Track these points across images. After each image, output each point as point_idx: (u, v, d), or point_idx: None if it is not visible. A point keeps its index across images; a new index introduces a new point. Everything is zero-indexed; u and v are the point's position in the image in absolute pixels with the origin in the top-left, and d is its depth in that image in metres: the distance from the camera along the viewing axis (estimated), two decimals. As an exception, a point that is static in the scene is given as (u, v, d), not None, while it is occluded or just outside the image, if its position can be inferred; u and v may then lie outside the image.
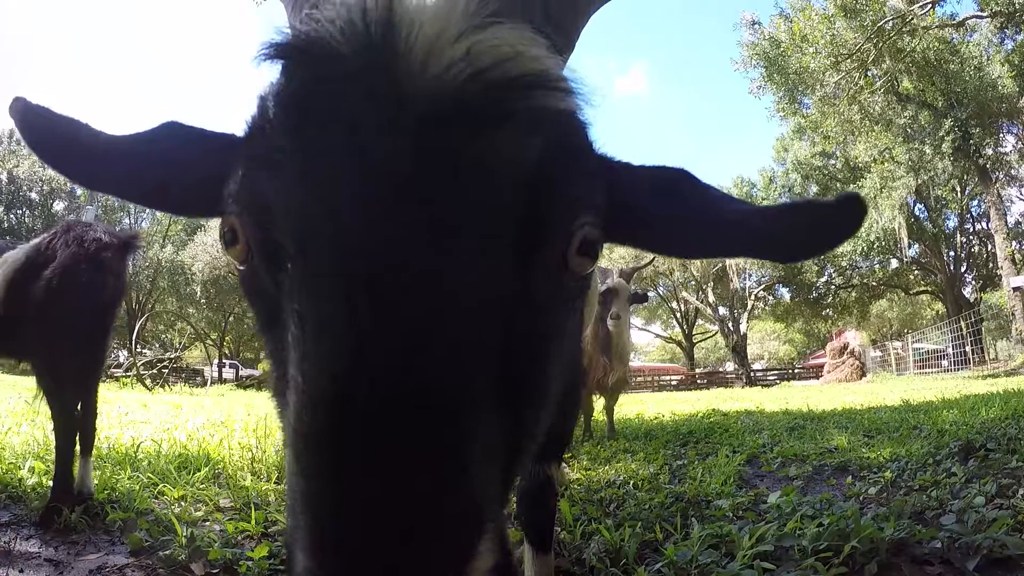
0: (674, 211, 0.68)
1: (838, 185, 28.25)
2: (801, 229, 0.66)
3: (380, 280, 0.44)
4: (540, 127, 0.52)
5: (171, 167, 0.70)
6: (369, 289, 0.44)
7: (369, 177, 0.47)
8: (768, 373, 31.49)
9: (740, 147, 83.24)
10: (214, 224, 0.69)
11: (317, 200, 0.48)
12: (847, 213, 0.63)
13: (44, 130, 0.71)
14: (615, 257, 20.33)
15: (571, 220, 0.55)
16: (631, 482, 3.14)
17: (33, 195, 33.58)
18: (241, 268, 0.58)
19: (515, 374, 0.51)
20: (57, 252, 2.46)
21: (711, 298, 31.27)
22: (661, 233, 0.70)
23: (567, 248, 0.55)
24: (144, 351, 22.54)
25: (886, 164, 23.14)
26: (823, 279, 31.27)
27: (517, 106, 0.51)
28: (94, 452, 3.36)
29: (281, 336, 0.51)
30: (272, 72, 0.57)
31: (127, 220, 33.66)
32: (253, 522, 2.24)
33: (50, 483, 2.61)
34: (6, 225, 32.29)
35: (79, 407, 2.53)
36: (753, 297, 31.33)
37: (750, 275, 31.32)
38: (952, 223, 29.58)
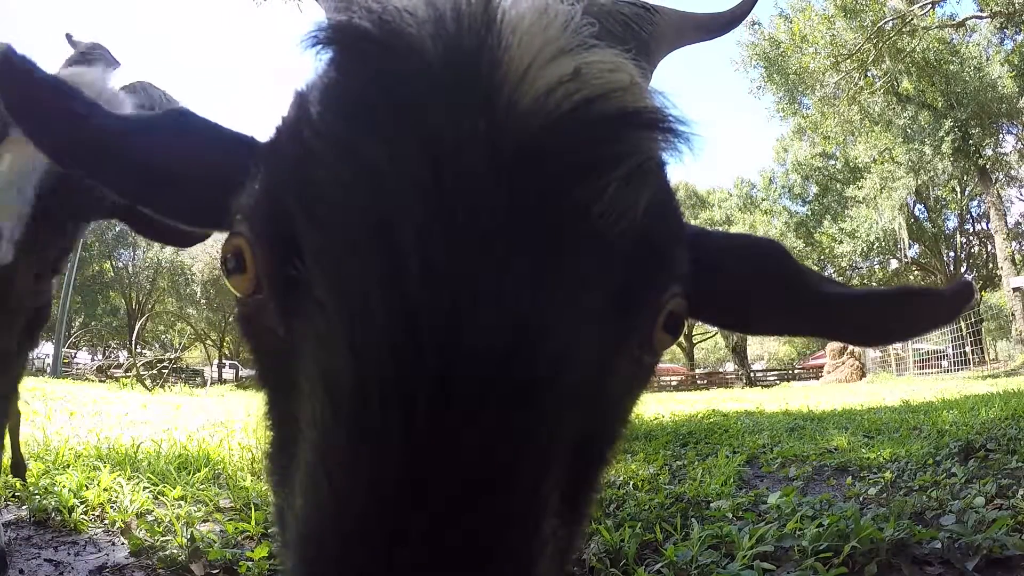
0: (765, 287, 0.61)
1: (838, 185, 28.27)
2: (906, 317, 0.63)
3: (449, 362, 0.35)
4: (649, 175, 0.44)
5: (170, 163, 0.60)
6: (433, 373, 0.34)
7: (448, 219, 0.37)
8: (768, 373, 31.50)
9: (740, 147, 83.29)
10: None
11: (372, 241, 0.37)
12: (957, 302, 0.60)
13: (24, 88, 0.58)
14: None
15: (664, 290, 0.47)
16: (631, 483, 3.13)
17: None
18: (243, 301, 0.48)
19: (577, 471, 0.43)
20: None
21: (711, 298, 31.22)
22: (742, 309, 0.64)
23: (654, 323, 0.47)
24: (144, 351, 22.56)
25: (886, 164, 23.17)
26: (823, 279, 31.26)
27: (633, 148, 0.43)
28: (94, 452, 3.37)
29: (291, 402, 0.41)
30: (317, 63, 0.46)
31: (127, 220, 33.65)
32: (253, 522, 2.24)
33: (50, 483, 2.61)
34: None
35: None
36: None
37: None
38: (952, 223, 29.62)
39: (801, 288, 0.62)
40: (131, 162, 0.60)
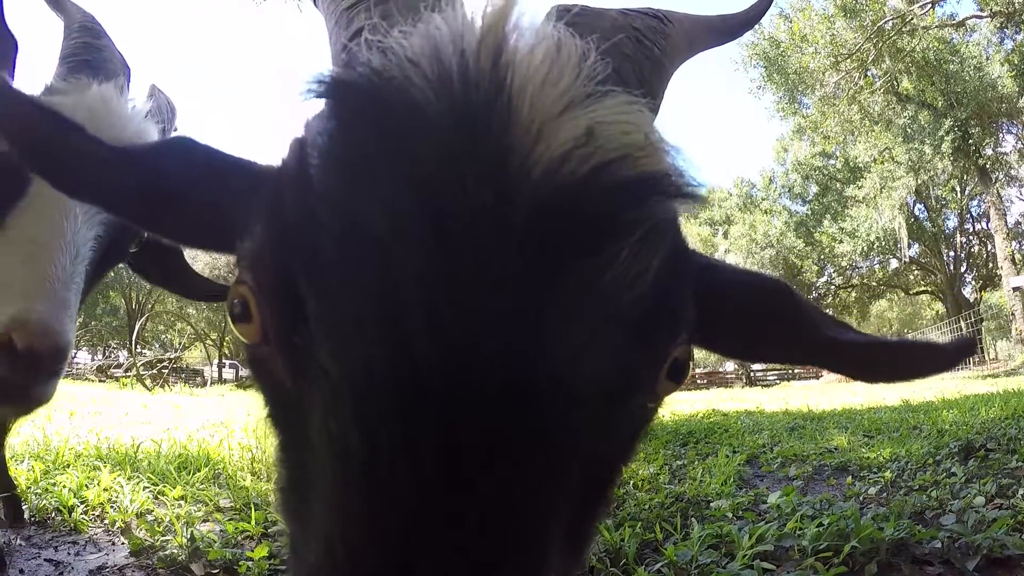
0: (767, 325, 0.62)
1: (838, 185, 28.28)
2: (908, 364, 0.64)
3: (456, 434, 0.35)
4: (662, 237, 0.43)
5: (172, 192, 0.58)
6: (440, 441, 0.35)
7: (457, 286, 0.36)
8: (768, 373, 31.45)
9: (740, 147, 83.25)
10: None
11: (380, 320, 0.37)
12: (959, 356, 0.62)
13: (26, 125, 0.58)
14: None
15: (671, 341, 0.47)
16: (631, 482, 3.13)
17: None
18: (250, 348, 0.47)
19: (580, 510, 0.44)
20: None
21: (711, 298, 31.22)
22: (742, 341, 0.65)
23: (660, 372, 0.47)
24: (144, 351, 22.56)
25: (886, 164, 23.18)
26: (823, 279, 31.30)
27: (648, 214, 0.42)
28: (94, 452, 3.37)
29: (301, 446, 0.42)
30: (316, 107, 0.45)
31: (127, 220, 33.61)
32: (253, 522, 2.24)
33: (50, 483, 2.61)
34: None
35: None
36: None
37: (750, 275, 31.30)
38: (952, 223, 29.64)
39: (803, 328, 0.62)
40: (133, 190, 0.59)
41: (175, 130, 1.66)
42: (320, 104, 0.44)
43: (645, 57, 0.70)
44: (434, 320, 0.36)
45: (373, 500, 0.35)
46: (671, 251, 0.45)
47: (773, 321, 0.61)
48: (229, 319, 0.47)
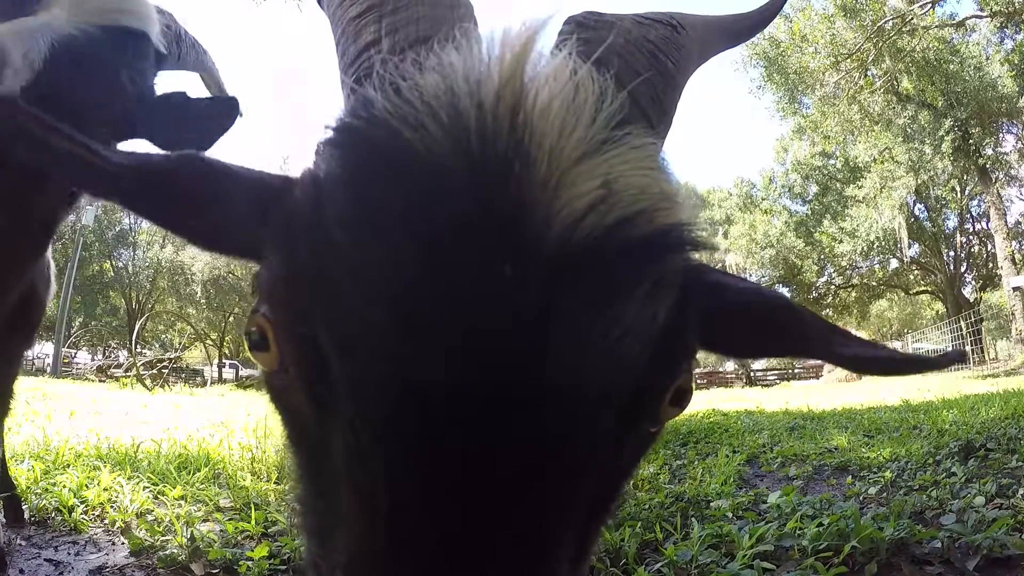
0: (768, 338, 0.64)
1: (838, 185, 28.27)
2: (896, 370, 0.66)
3: (473, 471, 0.38)
4: (674, 286, 0.45)
5: (185, 204, 0.57)
6: (459, 481, 0.38)
7: (473, 345, 0.37)
8: (768, 373, 31.46)
9: (740, 147, 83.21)
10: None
11: (393, 367, 0.38)
12: (947, 364, 0.63)
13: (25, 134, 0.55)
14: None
15: (675, 374, 0.48)
16: (631, 482, 3.13)
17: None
18: (268, 375, 0.49)
19: (585, 527, 0.47)
20: None
21: (711, 298, 31.20)
22: (744, 351, 0.66)
23: (662, 401, 0.48)
24: (144, 351, 22.56)
25: (886, 164, 23.17)
26: (823, 279, 31.29)
27: (661, 268, 0.43)
28: (94, 452, 3.37)
29: (321, 469, 0.44)
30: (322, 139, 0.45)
31: (127, 220, 33.68)
32: (253, 522, 2.24)
33: (50, 483, 2.61)
34: None
35: None
36: (753, 297, 31.28)
37: (750, 275, 31.32)
38: (952, 223, 29.62)
39: (799, 337, 0.63)
40: (146, 197, 0.58)
41: (201, 58, 1.56)
42: (326, 139, 0.45)
43: (659, 74, 0.69)
44: (451, 377, 0.37)
45: (396, 539, 0.38)
46: (683, 293, 0.46)
47: (774, 334, 0.63)
48: (246, 346, 0.48)
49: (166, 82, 1.41)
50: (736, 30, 0.97)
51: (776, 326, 0.62)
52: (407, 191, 0.39)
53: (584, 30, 0.65)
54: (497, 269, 0.37)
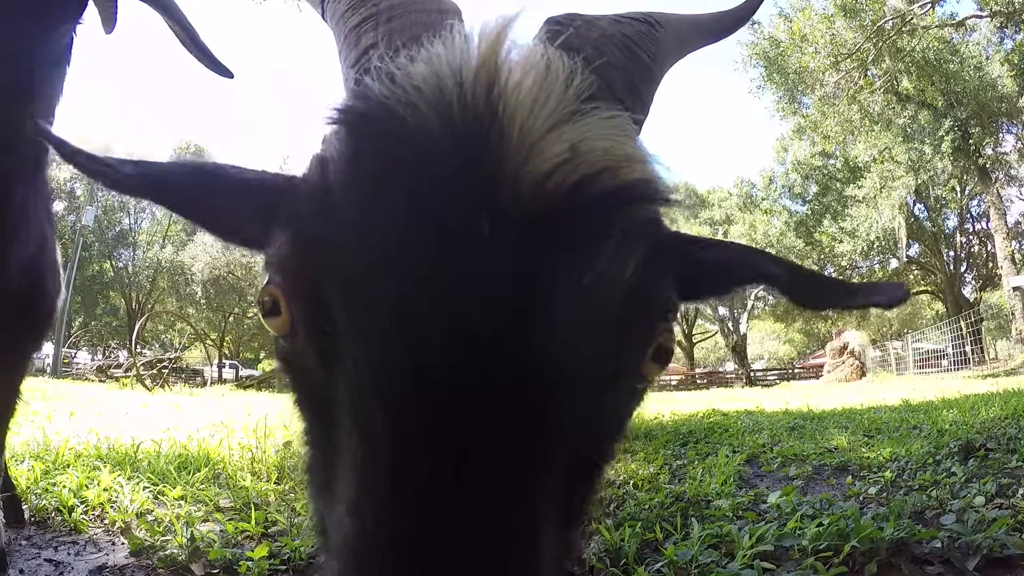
0: (742, 285, 0.67)
1: (838, 184, 28.27)
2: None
3: (462, 405, 0.41)
4: (643, 238, 0.49)
5: (210, 202, 0.65)
6: (450, 414, 0.41)
7: (459, 290, 0.42)
8: (768, 373, 31.50)
9: (740, 147, 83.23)
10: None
11: (390, 310, 0.43)
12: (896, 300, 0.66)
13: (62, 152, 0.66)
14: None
15: (653, 328, 0.52)
16: (631, 482, 3.13)
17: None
18: (280, 340, 0.53)
19: (575, 484, 0.50)
20: None
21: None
22: (722, 295, 0.70)
23: (644, 356, 0.52)
24: (144, 351, 22.56)
25: (886, 164, 23.17)
26: (823, 279, 31.23)
27: (626, 219, 0.48)
28: (94, 452, 3.37)
29: (329, 429, 0.48)
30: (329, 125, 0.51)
31: (127, 220, 33.69)
32: (253, 522, 2.24)
33: (50, 483, 2.61)
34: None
35: None
36: (753, 297, 31.33)
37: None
38: (952, 223, 29.63)
39: (795, 286, 0.67)
40: (161, 201, 0.65)
41: None
42: (331, 119, 0.50)
43: (635, 66, 0.73)
44: (440, 318, 0.42)
45: (394, 467, 0.41)
46: (651, 247, 0.50)
47: (748, 283, 0.68)
48: (259, 314, 0.53)
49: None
50: (714, 28, 1.01)
51: (748, 277, 0.67)
52: (400, 159, 0.45)
53: (562, 26, 0.70)
54: (477, 221, 0.43)
